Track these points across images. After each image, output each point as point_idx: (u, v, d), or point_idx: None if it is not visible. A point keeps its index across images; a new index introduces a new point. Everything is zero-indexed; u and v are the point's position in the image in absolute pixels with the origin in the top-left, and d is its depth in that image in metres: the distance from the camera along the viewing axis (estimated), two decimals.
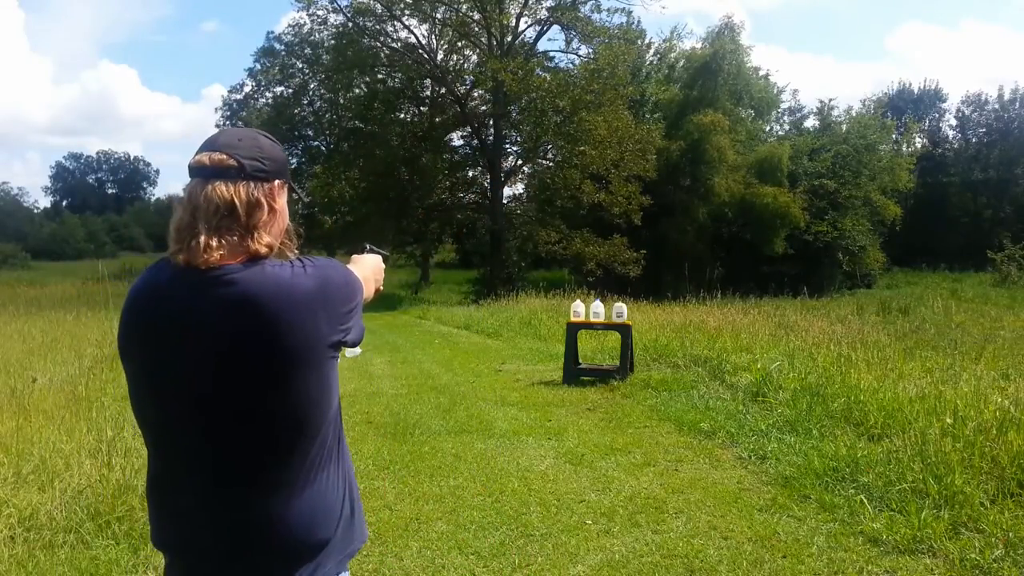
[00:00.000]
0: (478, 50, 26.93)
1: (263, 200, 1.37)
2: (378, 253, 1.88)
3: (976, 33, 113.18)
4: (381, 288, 1.84)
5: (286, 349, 1.32)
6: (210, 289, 1.31)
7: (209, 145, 1.39)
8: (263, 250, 1.35)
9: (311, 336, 1.34)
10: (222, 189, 1.33)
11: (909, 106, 42.18)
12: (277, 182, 1.43)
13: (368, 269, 1.76)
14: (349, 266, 1.73)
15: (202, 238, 1.31)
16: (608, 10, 28.10)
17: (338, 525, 1.43)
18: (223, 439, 1.34)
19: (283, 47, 34.08)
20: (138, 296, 1.40)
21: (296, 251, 1.46)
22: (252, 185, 1.36)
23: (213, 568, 1.38)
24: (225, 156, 1.36)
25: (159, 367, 1.36)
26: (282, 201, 1.45)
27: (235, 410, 1.33)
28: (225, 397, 1.33)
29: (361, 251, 1.86)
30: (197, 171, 1.36)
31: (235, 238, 1.34)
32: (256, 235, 1.35)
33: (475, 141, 28.16)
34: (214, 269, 1.31)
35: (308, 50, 32.31)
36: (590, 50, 25.59)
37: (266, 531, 1.35)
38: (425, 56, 27.11)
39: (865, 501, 4.10)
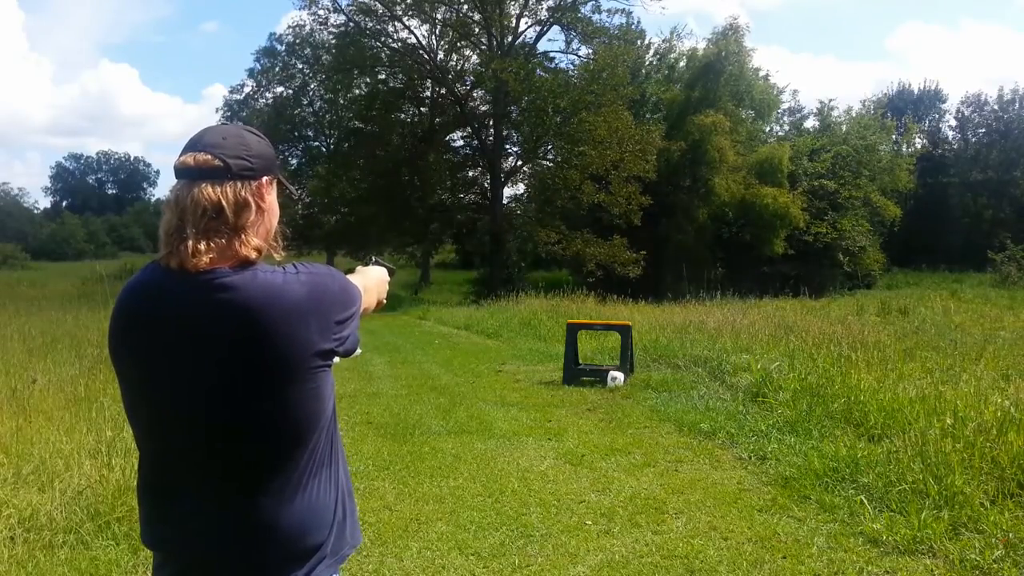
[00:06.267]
0: (478, 50, 26.95)
1: (251, 200, 1.36)
2: (384, 266, 1.88)
3: (976, 33, 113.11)
4: (384, 301, 1.83)
5: (277, 357, 1.31)
6: (203, 294, 1.30)
7: (194, 145, 1.37)
8: (252, 254, 1.34)
9: (302, 345, 1.33)
10: (209, 191, 1.32)
11: (909, 106, 42.13)
12: (265, 179, 1.41)
13: (371, 280, 1.75)
14: (352, 276, 1.72)
15: (190, 242, 1.29)
16: (608, 11, 28.16)
17: (331, 531, 1.43)
18: (215, 444, 1.34)
19: (284, 47, 34.11)
20: (131, 298, 1.38)
21: (282, 252, 1.45)
22: (239, 185, 1.35)
23: (205, 572, 1.37)
24: (210, 156, 1.34)
25: (153, 370, 1.35)
26: (270, 198, 1.44)
27: (228, 416, 1.33)
28: (218, 403, 1.32)
29: (367, 263, 1.86)
30: (183, 172, 1.35)
31: (223, 240, 1.33)
32: (245, 237, 1.34)
33: (475, 141, 28.18)
34: (205, 272, 1.30)
35: (308, 50, 32.33)
36: (590, 50, 25.62)
37: (258, 536, 1.35)
38: (425, 56, 27.13)
39: (865, 501, 4.10)
